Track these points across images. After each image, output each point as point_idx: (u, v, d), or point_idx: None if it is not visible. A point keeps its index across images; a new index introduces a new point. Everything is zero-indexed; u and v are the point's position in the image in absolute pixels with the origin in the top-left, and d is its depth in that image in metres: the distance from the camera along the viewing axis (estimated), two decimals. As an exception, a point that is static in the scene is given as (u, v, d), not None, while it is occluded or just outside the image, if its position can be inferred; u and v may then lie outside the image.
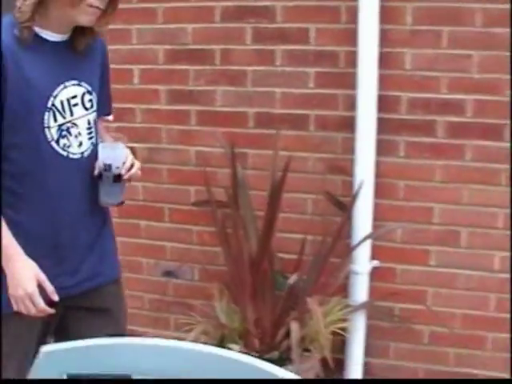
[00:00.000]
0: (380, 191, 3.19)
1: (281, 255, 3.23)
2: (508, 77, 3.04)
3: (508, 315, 3.21)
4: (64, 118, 1.91)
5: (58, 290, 2.01)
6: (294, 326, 2.87)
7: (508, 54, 3.02)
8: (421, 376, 3.39)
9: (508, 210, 3.11)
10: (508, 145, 3.07)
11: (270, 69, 3.25)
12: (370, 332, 3.34)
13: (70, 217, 2.00)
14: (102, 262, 2.14)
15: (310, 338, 3.03)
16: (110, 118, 2.27)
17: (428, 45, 3.10)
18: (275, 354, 2.98)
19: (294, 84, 3.24)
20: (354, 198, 3.05)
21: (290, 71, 3.23)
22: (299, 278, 2.94)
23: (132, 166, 2.01)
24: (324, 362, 2.99)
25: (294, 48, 3.21)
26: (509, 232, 3.14)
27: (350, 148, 3.15)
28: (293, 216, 3.30)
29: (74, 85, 1.94)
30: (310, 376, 3.09)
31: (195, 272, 3.51)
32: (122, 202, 2.06)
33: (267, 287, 3.04)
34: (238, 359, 1.37)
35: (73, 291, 2.09)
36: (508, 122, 3.06)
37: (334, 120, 3.21)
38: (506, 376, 3.29)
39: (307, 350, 3.05)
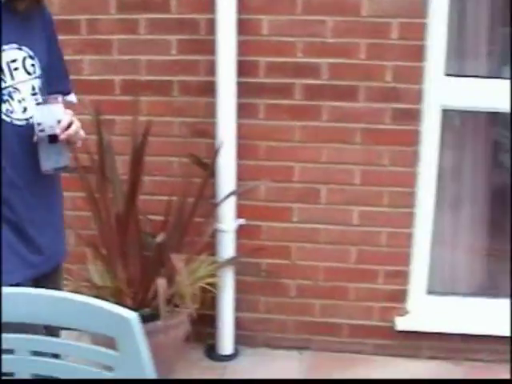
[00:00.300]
0: (242, 152, 3.64)
1: (151, 217, 3.74)
2: (360, 40, 3.63)
3: (367, 266, 3.85)
4: (4, 82, 1.95)
5: (30, 268, 2.19)
6: (161, 284, 3.35)
7: (359, 18, 3.59)
8: (289, 327, 3.94)
9: (363, 167, 3.72)
10: (361, 104, 3.67)
11: (134, 37, 3.61)
12: (240, 287, 3.86)
13: (20, 187, 2.04)
14: (57, 239, 2.28)
15: (180, 295, 3.59)
16: (73, 98, 2.34)
17: (284, 11, 3.51)
18: (147, 311, 3.50)
19: (158, 51, 3.59)
20: (214, 157, 3.58)
21: (154, 39, 3.60)
22: (166, 237, 3.49)
23: (70, 125, 2.02)
24: (195, 317, 3.55)
25: (156, 17, 3.57)
26: (365, 187, 3.75)
27: (212, 112, 3.61)
28: (160, 179, 3.78)
29: (13, 48, 1.98)
30: (180, 331, 3.63)
31: (70, 237, 4.01)
32: (66, 167, 2.07)
33: (135, 247, 3.52)
34: (77, 300, 1.66)
35: (42, 268, 2.25)
36: (361, 83, 3.65)
37: (196, 85, 3.61)
38: (368, 323, 3.94)
39: (178, 306, 3.61)
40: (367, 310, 3.77)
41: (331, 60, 3.50)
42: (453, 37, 3.60)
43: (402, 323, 3.78)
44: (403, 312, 3.79)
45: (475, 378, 3.52)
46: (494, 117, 3.93)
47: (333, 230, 3.65)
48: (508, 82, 3.48)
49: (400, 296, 3.75)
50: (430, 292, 3.86)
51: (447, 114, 3.65)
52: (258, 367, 3.73)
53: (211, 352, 3.83)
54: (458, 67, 3.74)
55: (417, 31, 3.44)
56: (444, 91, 3.55)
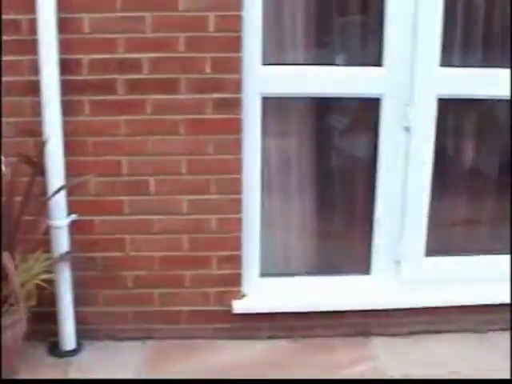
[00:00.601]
0: (70, 149, 3.82)
1: (-17, 219, 3.99)
2: (179, 34, 4.00)
3: (200, 253, 4.24)
4: None
5: None
6: (-6, 284, 3.63)
7: (177, 13, 3.97)
8: (130, 318, 4.25)
9: (189, 157, 4.11)
10: (183, 96, 4.05)
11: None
12: (78, 282, 4.10)
13: None
14: None
15: (15, 294, 3.85)
16: None
17: (104, 9, 3.72)
18: (-17, 312, 3.72)
19: (-19, 53, 3.91)
20: (41, 155, 3.84)
21: (-26, 41, 3.89)
22: (-3, 237, 3.73)
23: None
24: (33, 315, 3.85)
25: (-23, 19, 3.83)
26: (192, 176, 4.14)
27: (38, 110, 3.78)
28: (-9, 180, 4.03)
29: None
30: (17, 330, 3.87)
31: None
32: None
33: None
34: None
35: None
36: (181, 75, 4.02)
37: (21, 85, 3.78)
38: (206, 309, 4.33)
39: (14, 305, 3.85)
40: (204, 296, 4.10)
41: (152, 54, 3.78)
42: (278, 27, 4.03)
43: (238, 306, 4.11)
44: (239, 295, 4.12)
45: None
46: (330, 102, 4.31)
47: (164, 219, 3.96)
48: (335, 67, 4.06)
49: (235, 280, 4.09)
50: (265, 274, 4.22)
51: (280, 102, 4.10)
52: (101, 360, 4.03)
53: (55, 349, 4.05)
54: (285, 56, 4.16)
55: (233, 23, 3.76)
56: (263, 80, 3.91)
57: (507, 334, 4.17)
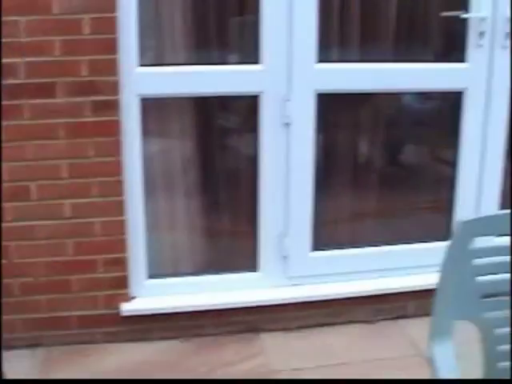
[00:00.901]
0: None
1: None
2: (54, 38, 4.06)
3: (86, 257, 4.31)
4: None
5: None
6: None
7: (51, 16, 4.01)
8: (18, 326, 4.28)
9: (69, 160, 4.16)
10: (60, 100, 4.10)
11: None
12: None
13: None
14: None
15: None
16: None
17: None
18: None
19: None
20: None
21: None
22: None
23: None
24: None
25: None
26: (74, 180, 4.19)
27: None
28: None
29: None
30: None
31: None
32: None
33: None
34: None
35: None
36: (58, 79, 4.08)
37: None
38: (95, 313, 4.39)
39: None
40: (92, 300, 4.14)
41: (27, 59, 3.81)
42: (155, 28, 4.17)
43: (127, 309, 4.18)
44: (128, 298, 4.18)
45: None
46: (212, 102, 4.43)
47: (47, 224, 3.99)
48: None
49: (122, 282, 4.15)
50: (153, 275, 4.31)
51: (161, 102, 4.23)
52: (-10, 370, 4.06)
53: None
54: (164, 56, 4.31)
55: (108, 25, 3.82)
56: (140, 81, 3.98)
57: (396, 323, 4.27)
